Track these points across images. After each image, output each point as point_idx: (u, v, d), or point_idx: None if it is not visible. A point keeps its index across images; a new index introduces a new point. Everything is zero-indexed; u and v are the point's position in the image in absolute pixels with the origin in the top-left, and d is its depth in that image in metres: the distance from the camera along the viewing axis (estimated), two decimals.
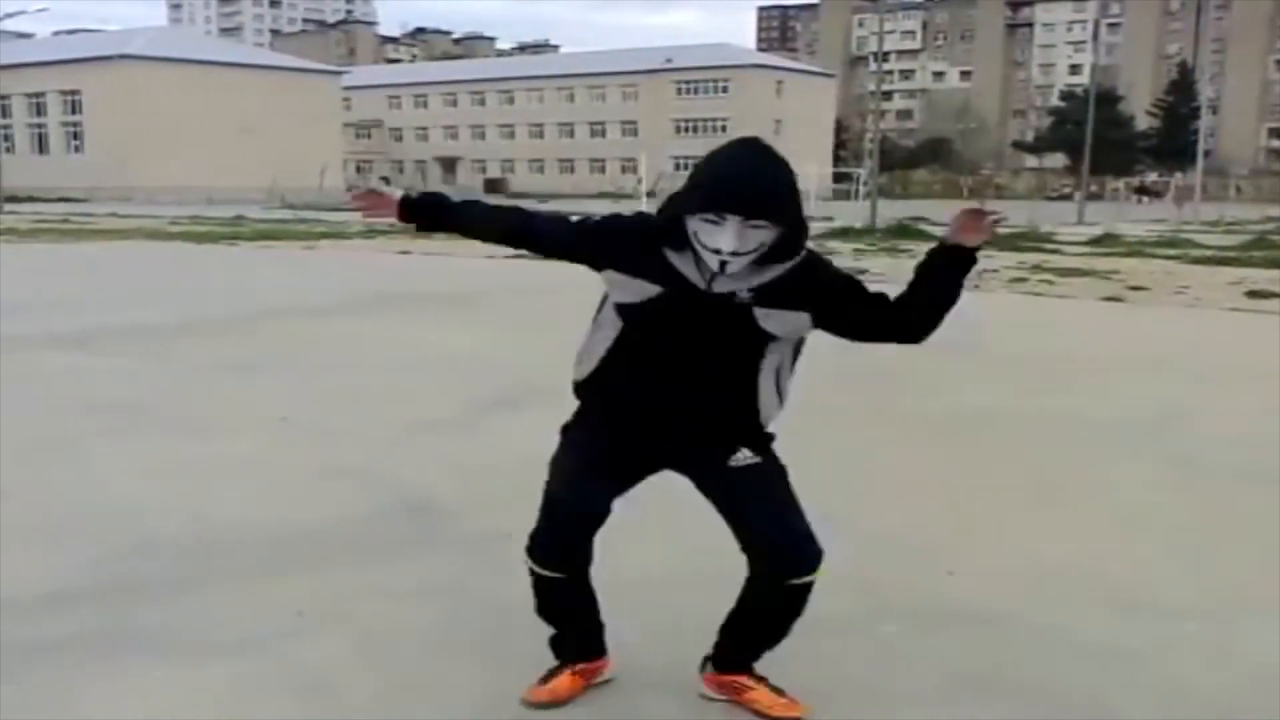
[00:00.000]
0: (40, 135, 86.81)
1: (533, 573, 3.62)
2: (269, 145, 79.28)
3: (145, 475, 6.44)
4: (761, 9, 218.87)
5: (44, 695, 3.77)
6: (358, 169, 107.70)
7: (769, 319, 3.29)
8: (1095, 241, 28.76)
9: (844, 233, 31.75)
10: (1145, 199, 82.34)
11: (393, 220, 3.69)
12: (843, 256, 23.48)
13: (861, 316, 3.39)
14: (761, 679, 3.68)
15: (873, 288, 3.40)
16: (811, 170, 75.83)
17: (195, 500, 5.98)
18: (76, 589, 4.68)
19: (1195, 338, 12.98)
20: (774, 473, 3.50)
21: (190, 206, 51.61)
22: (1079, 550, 5.38)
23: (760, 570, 3.48)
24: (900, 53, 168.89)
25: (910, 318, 3.39)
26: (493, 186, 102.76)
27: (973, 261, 3.32)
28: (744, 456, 3.44)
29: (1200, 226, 41.21)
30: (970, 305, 3.52)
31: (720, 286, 3.26)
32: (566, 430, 3.60)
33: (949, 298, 3.35)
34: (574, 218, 3.69)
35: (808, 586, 3.47)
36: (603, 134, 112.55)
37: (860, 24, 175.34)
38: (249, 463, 6.80)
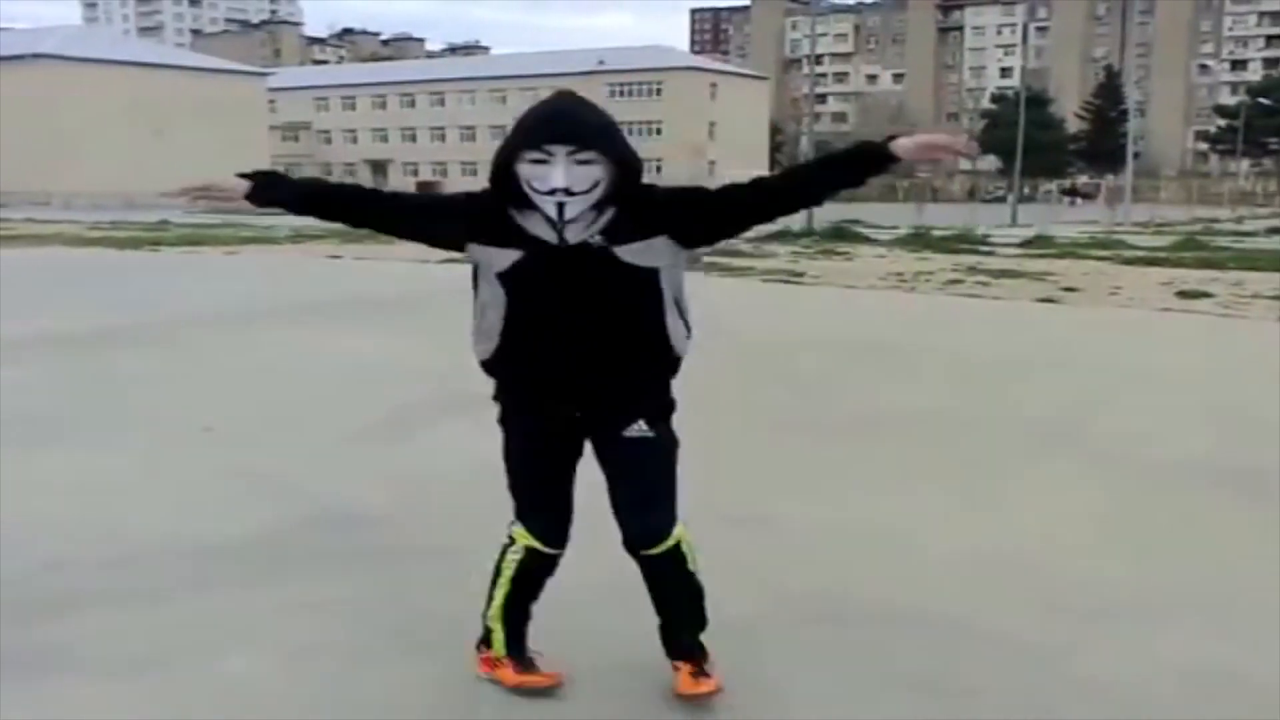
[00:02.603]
0: None
1: (534, 556, 3.65)
2: (192, 148, 77.83)
3: (58, 489, 6.23)
4: (694, 11, 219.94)
5: None
6: (285, 172, 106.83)
7: (631, 254, 3.34)
8: (1028, 243, 28.96)
9: (781, 235, 31.75)
10: (1077, 201, 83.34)
11: (239, 204, 3.71)
12: (780, 259, 23.48)
13: (716, 213, 3.44)
14: (687, 664, 3.69)
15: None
16: (747, 173, 76.33)
17: (112, 514, 5.79)
18: None
19: (1127, 338, 13.04)
20: (660, 448, 3.55)
21: (111, 211, 50.76)
22: (1007, 549, 5.39)
23: (623, 540, 3.57)
24: (833, 55, 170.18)
25: (775, 195, 3.47)
26: (425, 190, 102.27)
27: (888, 167, 3.33)
28: (638, 429, 3.50)
29: (1131, 228, 41.85)
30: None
31: (572, 236, 3.32)
32: (504, 421, 3.63)
33: (843, 185, 3.45)
34: (420, 198, 3.77)
35: (666, 559, 3.53)
36: None
37: (793, 26, 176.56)
38: (169, 475, 6.61)
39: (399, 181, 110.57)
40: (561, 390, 3.46)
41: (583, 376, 3.42)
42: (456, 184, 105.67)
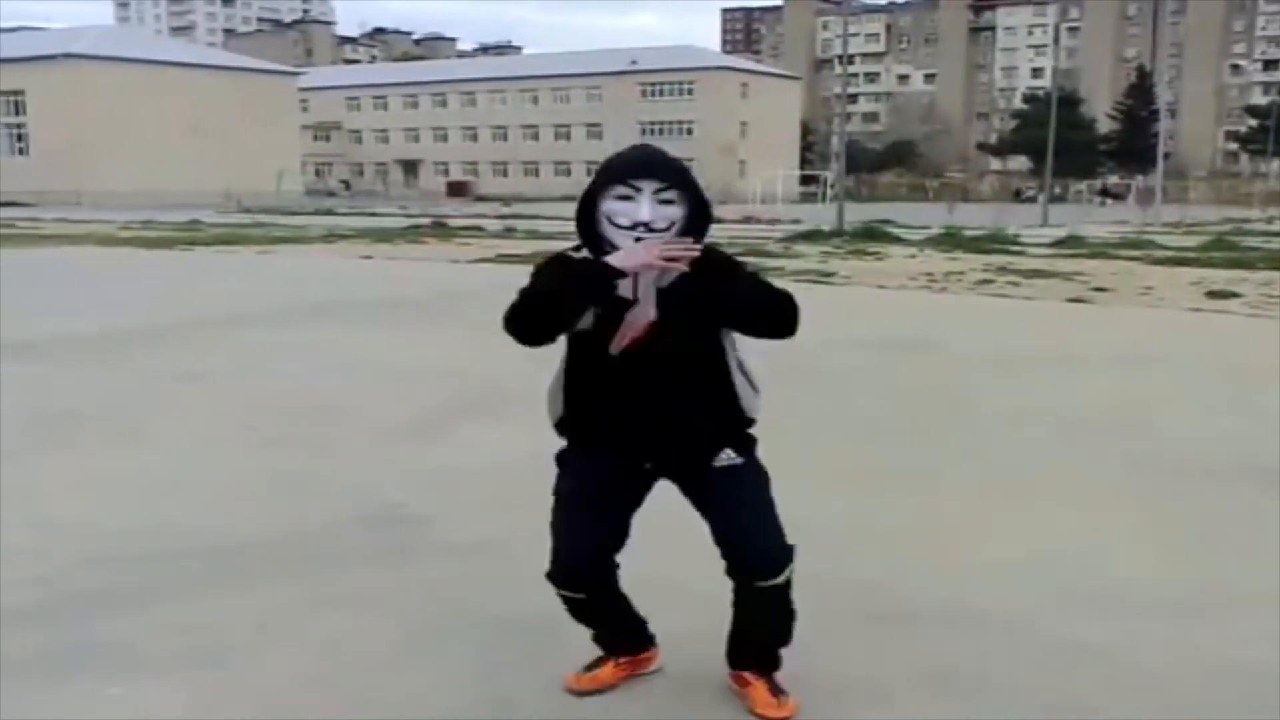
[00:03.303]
0: None
1: (557, 592, 3.68)
2: (223, 148, 78.18)
3: (96, 487, 6.30)
4: (726, 11, 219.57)
5: None
6: (316, 172, 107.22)
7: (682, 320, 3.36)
8: (1059, 243, 28.85)
9: (812, 235, 31.78)
10: (1109, 201, 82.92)
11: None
12: (810, 259, 23.48)
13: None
14: (764, 676, 3.72)
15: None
16: (778, 173, 76.18)
17: (150, 512, 5.85)
18: (25, 606, 4.55)
19: (1158, 337, 12.99)
20: (752, 475, 3.57)
21: (142, 211, 50.83)
22: (1046, 547, 5.40)
23: (729, 571, 3.56)
24: (865, 55, 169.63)
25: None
26: (456, 190, 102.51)
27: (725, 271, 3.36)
28: (727, 457, 3.52)
29: (1162, 228, 41.60)
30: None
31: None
32: (561, 460, 3.65)
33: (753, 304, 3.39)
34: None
35: (777, 590, 3.53)
36: (567, 137, 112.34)
37: (825, 26, 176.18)
38: (207, 473, 6.67)
39: (430, 181, 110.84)
40: (629, 445, 3.50)
41: (653, 431, 3.46)
42: (488, 183, 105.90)
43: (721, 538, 3.53)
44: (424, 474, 6.58)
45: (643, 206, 3.28)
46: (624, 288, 3.32)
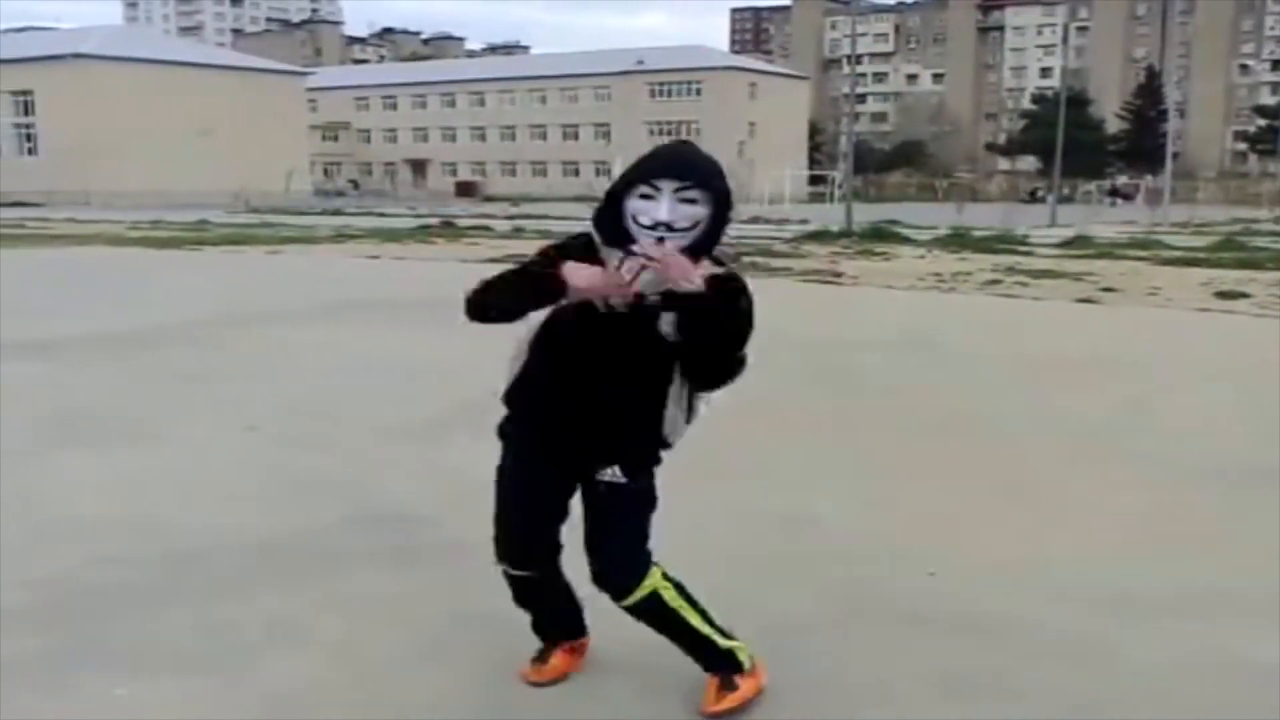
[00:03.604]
0: None
1: (503, 571, 3.77)
2: (232, 148, 78.03)
3: (104, 488, 6.30)
4: (734, 11, 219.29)
5: (3, 716, 3.66)
6: (325, 172, 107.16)
7: (667, 324, 3.36)
8: (1067, 244, 28.83)
9: (820, 235, 31.76)
10: (1119, 201, 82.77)
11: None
12: (818, 259, 23.46)
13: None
14: (714, 678, 3.71)
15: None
16: (786, 173, 76.09)
17: (156, 513, 5.85)
18: (31, 606, 4.56)
19: (1165, 338, 13.00)
20: (629, 500, 3.58)
21: (150, 211, 50.80)
22: (1054, 548, 5.40)
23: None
24: (873, 55, 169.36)
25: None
26: (464, 190, 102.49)
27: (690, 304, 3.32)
28: (612, 474, 3.55)
29: (1170, 228, 41.50)
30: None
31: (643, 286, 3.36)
32: (502, 433, 3.74)
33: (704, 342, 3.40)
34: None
35: (638, 610, 3.61)
36: (575, 136, 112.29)
37: (833, 26, 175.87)
38: (213, 474, 6.68)
39: (438, 181, 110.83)
40: (556, 430, 3.57)
41: (577, 422, 3.52)
42: (496, 183, 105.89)
43: (588, 555, 3.62)
44: (431, 475, 6.58)
45: (662, 206, 3.29)
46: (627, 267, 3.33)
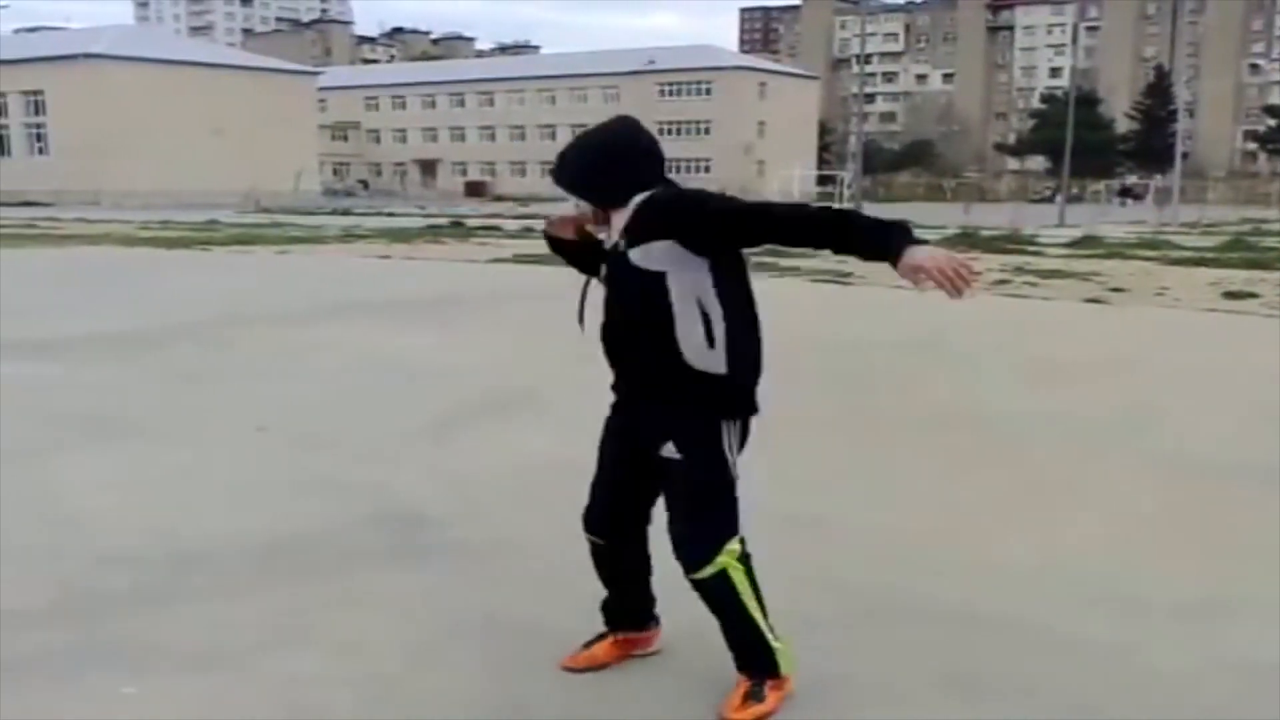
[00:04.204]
0: (1, 137, 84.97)
1: (585, 537, 3.88)
2: (242, 148, 77.94)
3: (112, 488, 6.32)
4: (744, 10, 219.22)
5: (10, 715, 3.67)
6: (334, 172, 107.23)
7: (639, 257, 3.51)
8: (1076, 243, 28.76)
9: None
10: (1129, 201, 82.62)
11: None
12: (827, 258, 23.42)
13: (716, 225, 3.49)
14: (750, 678, 3.70)
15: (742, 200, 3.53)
16: (795, 173, 76.06)
17: (168, 512, 5.87)
18: (41, 605, 4.58)
19: (1174, 338, 12.97)
20: (691, 471, 3.59)
21: (160, 211, 50.90)
22: (1062, 549, 5.40)
23: None
24: (883, 55, 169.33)
25: (774, 230, 3.49)
26: (473, 189, 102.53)
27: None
28: (669, 450, 3.58)
29: (1179, 228, 41.42)
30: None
31: (614, 237, 3.65)
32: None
33: (840, 252, 3.57)
34: None
35: (705, 587, 3.60)
36: None
37: (843, 26, 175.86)
38: (222, 474, 6.69)
39: (447, 180, 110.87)
40: (619, 395, 3.77)
41: (623, 380, 3.72)
42: (505, 183, 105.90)
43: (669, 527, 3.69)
44: (440, 475, 6.59)
45: (570, 200, 3.77)
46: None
